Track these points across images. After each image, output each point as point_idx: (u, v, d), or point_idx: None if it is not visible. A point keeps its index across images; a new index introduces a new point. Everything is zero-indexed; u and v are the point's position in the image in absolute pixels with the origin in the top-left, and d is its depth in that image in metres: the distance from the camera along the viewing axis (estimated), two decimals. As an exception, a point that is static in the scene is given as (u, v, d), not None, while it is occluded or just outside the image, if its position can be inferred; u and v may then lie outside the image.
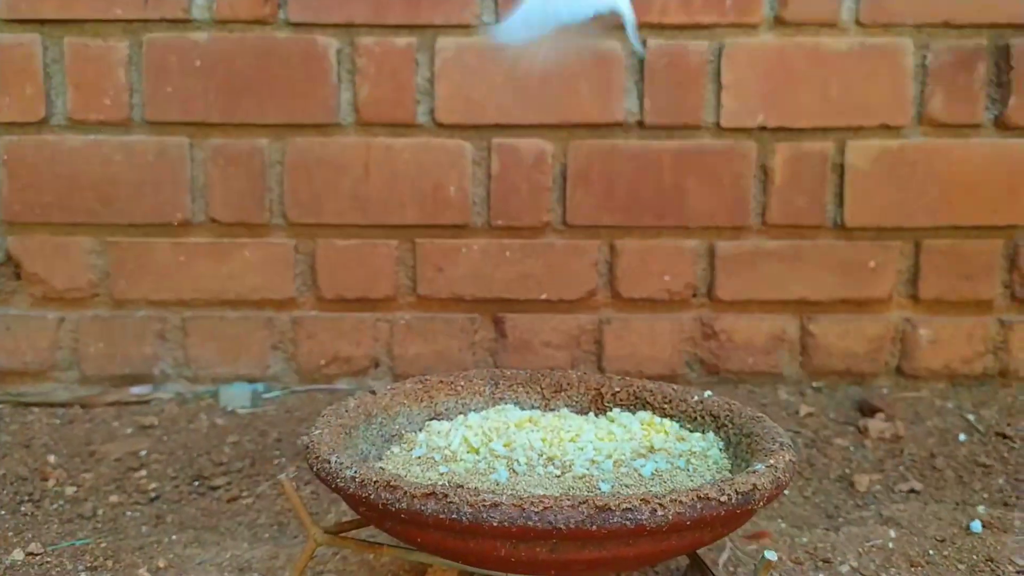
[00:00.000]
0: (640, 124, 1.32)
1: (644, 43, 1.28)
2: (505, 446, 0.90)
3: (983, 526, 0.99)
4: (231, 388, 1.34)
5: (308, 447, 0.80)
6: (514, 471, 0.86)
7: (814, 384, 1.38)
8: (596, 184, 1.32)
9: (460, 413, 0.97)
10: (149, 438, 1.23)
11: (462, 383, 1.00)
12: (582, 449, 0.88)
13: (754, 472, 0.73)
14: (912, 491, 1.10)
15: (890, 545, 0.96)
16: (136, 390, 1.34)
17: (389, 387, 0.96)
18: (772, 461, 0.75)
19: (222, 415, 1.30)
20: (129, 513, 1.04)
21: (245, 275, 1.34)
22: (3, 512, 1.04)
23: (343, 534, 0.86)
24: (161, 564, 0.93)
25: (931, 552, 0.95)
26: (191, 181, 1.32)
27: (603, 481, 0.79)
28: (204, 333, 1.35)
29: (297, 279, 1.34)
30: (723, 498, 0.69)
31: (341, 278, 1.34)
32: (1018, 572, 0.91)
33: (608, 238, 1.34)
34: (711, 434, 0.91)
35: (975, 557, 0.94)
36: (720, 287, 1.34)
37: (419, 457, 0.89)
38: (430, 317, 1.35)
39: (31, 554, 0.95)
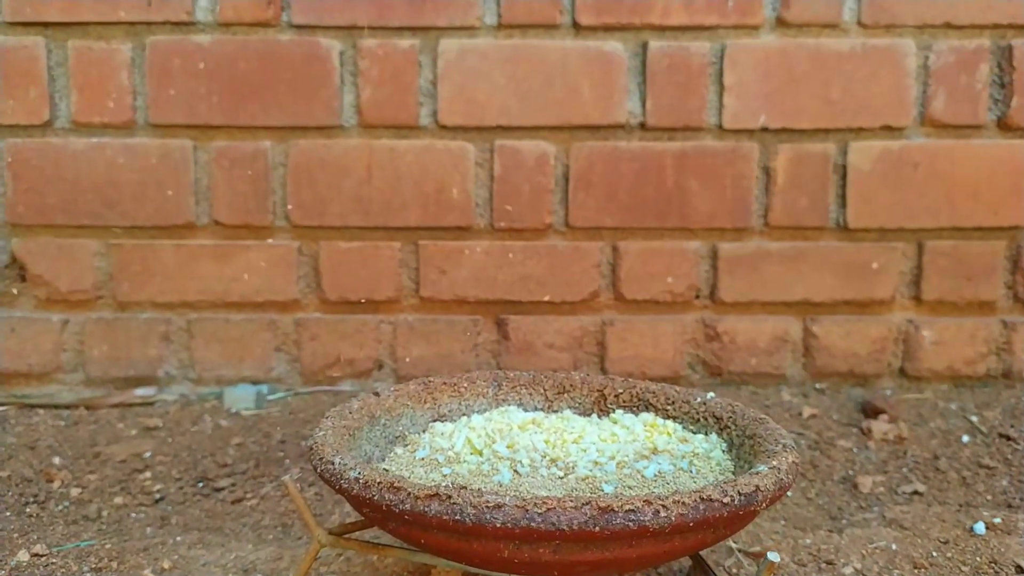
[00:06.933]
0: (642, 126, 1.32)
1: (645, 46, 1.28)
2: (508, 448, 0.90)
3: (987, 528, 0.99)
4: (235, 390, 1.34)
5: (312, 449, 0.80)
6: (517, 472, 0.87)
7: (817, 385, 1.38)
8: (598, 186, 1.33)
9: (463, 415, 0.98)
10: (154, 440, 1.23)
11: (465, 385, 1.00)
12: (585, 451, 0.88)
13: (757, 473, 0.73)
14: (915, 493, 1.10)
15: (893, 547, 0.96)
16: (141, 392, 1.35)
17: (392, 389, 0.96)
18: (775, 463, 0.75)
19: (226, 417, 1.30)
20: (134, 515, 1.04)
21: (249, 277, 1.34)
22: (8, 513, 1.04)
23: (347, 535, 0.86)
24: (166, 565, 0.93)
25: (934, 554, 0.95)
26: (195, 183, 1.32)
27: (606, 483, 0.79)
28: (208, 335, 1.35)
29: (300, 281, 1.35)
30: (726, 499, 0.69)
31: (344, 280, 1.34)
32: (1022, 574, 0.91)
33: (611, 239, 1.34)
34: (714, 436, 0.92)
35: (979, 559, 0.94)
36: (723, 288, 1.34)
37: (422, 459, 0.89)
38: (433, 319, 1.35)
39: (36, 555, 0.95)
